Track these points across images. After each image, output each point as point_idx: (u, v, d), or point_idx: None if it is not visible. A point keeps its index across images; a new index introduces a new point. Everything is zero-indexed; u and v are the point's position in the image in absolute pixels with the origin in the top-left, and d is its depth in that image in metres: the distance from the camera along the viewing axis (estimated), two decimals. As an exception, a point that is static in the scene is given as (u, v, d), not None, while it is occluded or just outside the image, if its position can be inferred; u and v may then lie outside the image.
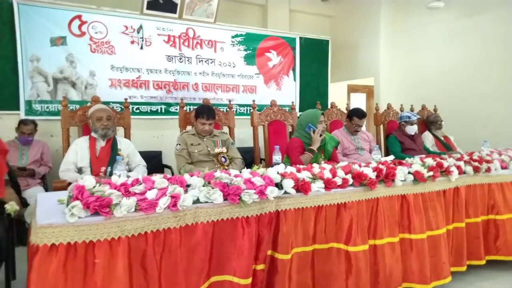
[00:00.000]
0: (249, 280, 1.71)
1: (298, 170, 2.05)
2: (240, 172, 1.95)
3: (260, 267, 1.82)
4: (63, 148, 2.77)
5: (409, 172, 2.34)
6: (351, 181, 2.12)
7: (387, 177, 2.21)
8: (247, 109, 5.08)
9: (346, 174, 2.13)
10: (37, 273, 1.31)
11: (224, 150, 2.93)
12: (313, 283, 1.98)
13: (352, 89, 7.66)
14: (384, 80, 5.93)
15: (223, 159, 2.87)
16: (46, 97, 3.93)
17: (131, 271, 1.43)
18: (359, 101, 7.61)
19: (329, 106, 4.21)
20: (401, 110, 4.17)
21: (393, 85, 5.89)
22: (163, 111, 4.59)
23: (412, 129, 3.80)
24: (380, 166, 2.26)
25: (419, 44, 5.55)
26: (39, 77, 3.88)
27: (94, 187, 1.53)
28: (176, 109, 4.59)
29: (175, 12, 4.46)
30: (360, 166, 2.28)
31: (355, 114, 3.48)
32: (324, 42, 5.78)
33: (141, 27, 4.37)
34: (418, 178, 2.32)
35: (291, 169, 2.04)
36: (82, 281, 1.35)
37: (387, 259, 2.15)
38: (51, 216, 1.43)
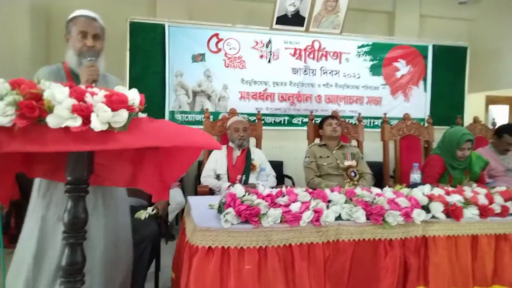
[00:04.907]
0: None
1: (447, 193, 1.87)
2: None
3: None
4: (204, 155, 3.03)
5: None
6: (512, 209, 1.85)
7: (560, 208, 1.87)
8: (370, 122, 4.86)
9: (505, 201, 1.87)
10: (196, 271, 1.43)
11: (354, 163, 2.85)
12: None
13: (491, 100, 6.72)
14: (537, 90, 5.07)
15: (352, 174, 2.80)
16: (186, 108, 4.38)
17: (280, 282, 1.46)
18: (500, 114, 6.64)
19: (467, 120, 3.77)
20: None
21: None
22: (286, 122, 4.70)
23: None
24: (551, 194, 1.92)
25: None
26: (181, 90, 4.36)
27: (244, 195, 1.63)
28: (299, 121, 4.67)
29: (302, 26, 4.55)
30: (523, 192, 1.97)
31: (507, 131, 3.03)
32: (462, 49, 5.22)
33: (269, 41, 4.58)
34: None
35: (438, 191, 1.87)
36: (234, 285, 1.44)
37: None
38: (207, 221, 1.56)
